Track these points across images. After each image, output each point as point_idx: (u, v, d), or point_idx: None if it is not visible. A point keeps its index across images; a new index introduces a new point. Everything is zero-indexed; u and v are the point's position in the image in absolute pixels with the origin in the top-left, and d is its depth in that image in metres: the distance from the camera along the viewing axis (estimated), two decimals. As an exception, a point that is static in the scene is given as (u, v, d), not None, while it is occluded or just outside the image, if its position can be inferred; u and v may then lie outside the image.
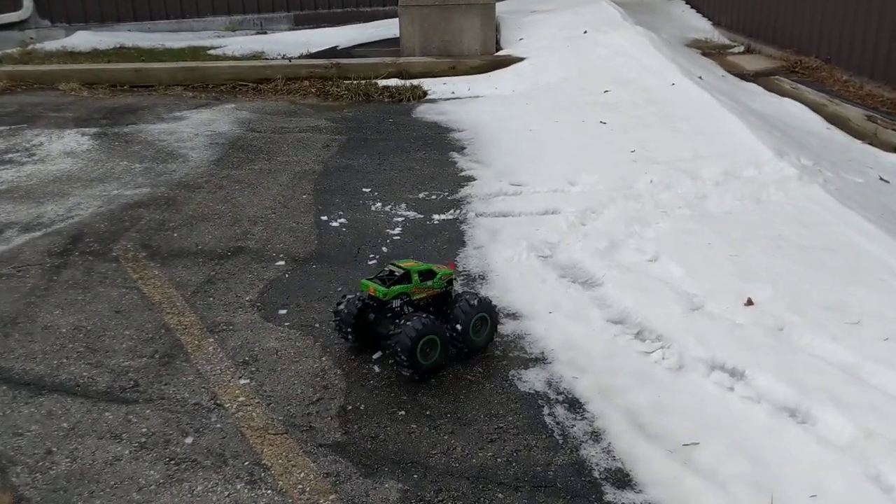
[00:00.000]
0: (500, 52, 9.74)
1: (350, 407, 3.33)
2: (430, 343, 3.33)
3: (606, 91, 7.66)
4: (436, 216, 5.31)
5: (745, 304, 3.81)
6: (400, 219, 5.28)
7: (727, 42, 11.01)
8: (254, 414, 3.29)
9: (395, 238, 4.98)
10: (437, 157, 6.56)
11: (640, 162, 5.81)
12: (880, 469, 2.82)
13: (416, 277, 3.48)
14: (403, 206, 5.51)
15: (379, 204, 5.54)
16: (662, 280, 4.13)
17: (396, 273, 3.47)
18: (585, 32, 9.50)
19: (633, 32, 8.90)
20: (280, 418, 3.26)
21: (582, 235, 4.74)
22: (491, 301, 3.63)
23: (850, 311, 3.67)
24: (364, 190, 5.83)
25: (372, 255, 4.73)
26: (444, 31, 9.82)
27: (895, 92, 7.65)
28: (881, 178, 5.45)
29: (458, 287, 4.04)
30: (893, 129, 6.15)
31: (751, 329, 3.64)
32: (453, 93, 8.72)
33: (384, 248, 4.82)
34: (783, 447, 2.98)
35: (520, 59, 9.25)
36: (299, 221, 5.26)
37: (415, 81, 8.94)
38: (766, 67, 9.12)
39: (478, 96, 8.55)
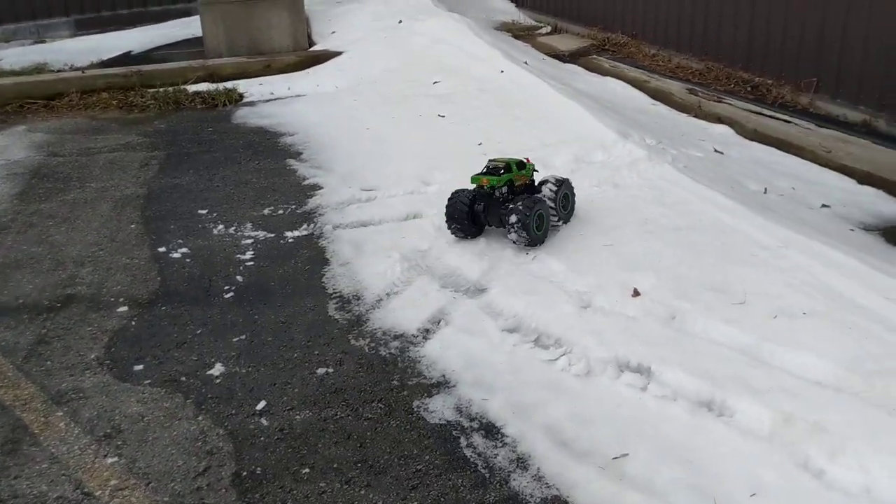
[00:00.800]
0: (316, 48, 9.32)
1: (245, 473, 2.93)
2: (539, 217, 4.19)
3: (436, 82, 7.48)
4: (288, 233, 4.90)
5: (633, 296, 3.75)
6: (249, 240, 4.82)
7: (533, 23, 11.18)
8: (133, 499, 2.81)
9: (248, 264, 4.54)
10: (272, 165, 6.10)
11: (490, 154, 5.66)
12: (808, 453, 2.81)
13: (514, 168, 4.34)
14: (249, 225, 5.04)
15: (221, 226, 5.04)
16: (546, 279, 4.00)
17: (499, 166, 4.26)
18: (400, 22, 9.28)
19: (449, 19, 8.78)
20: (166, 500, 2.80)
21: (452, 239, 4.51)
22: (567, 179, 4.54)
23: (733, 290, 3.70)
24: (200, 212, 5.29)
25: (227, 287, 4.27)
26: (252, 28, 9.25)
27: (702, 62, 8.04)
28: (716, 150, 5.64)
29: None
30: (715, 101, 6.41)
31: (645, 321, 3.58)
32: (272, 93, 8.21)
33: (239, 277, 4.37)
34: (711, 446, 2.92)
35: (338, 53, 8.88)
36: (133, 256, 4.67)
37: (228, 84, 8.34)
38: (579, 47, 9.32)
39: (300, 95, 8.11)
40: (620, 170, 5.03)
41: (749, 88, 7.22)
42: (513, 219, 4.10)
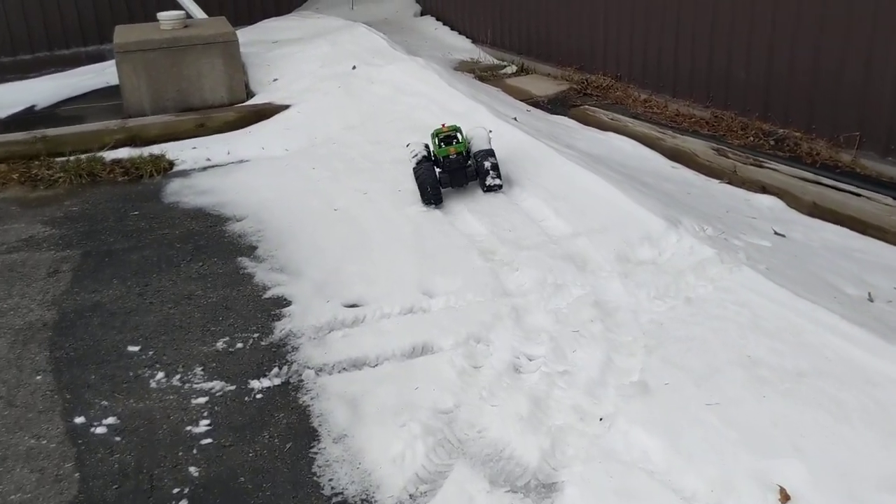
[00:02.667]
0: (256, 100, 7.99)
1: None
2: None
3: (409, 144, 6.24)
4: (255, 383, 3.62)
5: (782, 501, 2.59)
6: (201, 398, 3.52)
7: (495, 62, 10.07)
8: None
9: (203, 443, 3.25)
10: (221, 268, 4.78)
11: (501, 249, 4.47)
12: None
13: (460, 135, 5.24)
14: (199, 370, 3.74)
15: (161, 374, 3.72)
16: (640, 466, 2.83)
17: (451, 134, 5.25)
18: (354, 67, 8.04)
19: (413, 64, 7.57)
20: None
21: (486, 391, 3.31)
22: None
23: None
24: (131, 349, 3.96)
25: (177, 491, 2.96)
26: (180, 78, 7.88)
27: (707, 109, 7.03)
28: (776, 233, 4.57)
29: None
30: (754, 164, 5.35)
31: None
32: (209, 160, 6.86)
33: (193, 470, 3.08)
34: None
35: (284, 107, 7.58)
36: (40, 434, 3.32)
37: (155, 149, 6.96)
38: (558, 91, 8.25)
39: (243, 161, 6.79)
40: (684, 275, 3.89)
41: (772, 143, 6.21)
42: (488, 164, 5.09)
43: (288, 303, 4.31)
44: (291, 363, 3.73)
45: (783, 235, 4.64)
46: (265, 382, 3.62)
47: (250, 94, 8.23)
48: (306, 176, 6.13)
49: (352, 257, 4.68)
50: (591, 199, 4.72)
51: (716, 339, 3.42)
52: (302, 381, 3.60)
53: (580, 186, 4.84)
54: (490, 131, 5.87)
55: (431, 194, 4.99)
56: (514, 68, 9.73)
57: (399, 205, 5.29)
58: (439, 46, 10.52)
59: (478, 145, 5.17)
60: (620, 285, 3.95)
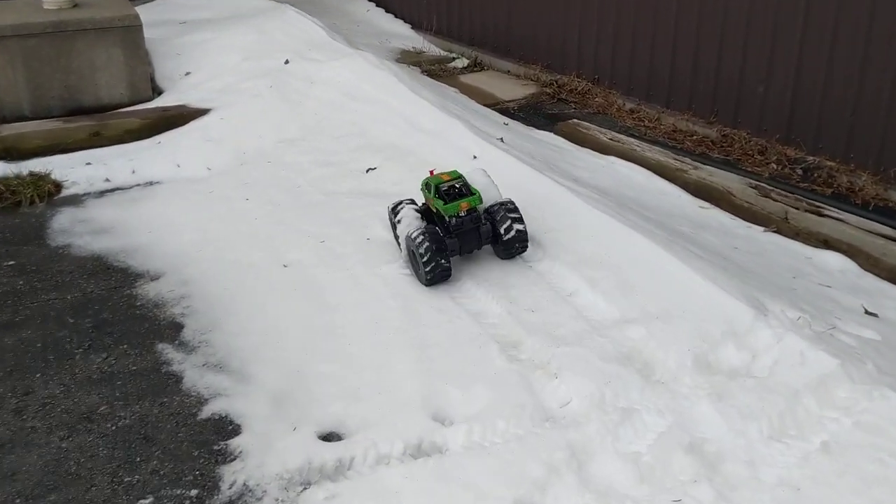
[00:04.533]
0: (166, 101, 6.50)
1: None
2: None
3: (371, 169, 4.98)
4: None
5: None
6: None
7: (442, 53, 8.81)
8: None
9: None
10: (134, 362, 3.44)
11: (528, 341, 3.30)
12: None
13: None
14: (111, 570, 2.41)
15: (49, 581, 2.37)
16: None
17: (456, 184, 3.78)
18: (287, 62, 6.64)
19: (363, 63, 6.24)
20: None
21: None
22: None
23: None
24: (2, 522, 2.59)
25: None
26: (68, 72, 6.32)
27: (712, 127, 6.01)
28: (867, 312, 3.56)
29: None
30: (811, 210, 4.32)
31: None
32: (108, 181, 5.41)
33: None
34: None
35: (202, 112, 6.14)
36: None
37: (36, 165, 5.45)
38: (527, 95, 7.10)
39: (153, 183, 5.36)
40: (802, 398, 2.82)
41: (800, 173, 5.24)
42: (513, 225, 3.78)
43: (236, 429, 3.02)
44: (255, 554, 2.45)
45: (876, 315, 3.64)
46: None
47: (157, 92, 6.73)
48: (240, 211, 4.76)
49: (319, 349, 3.41)
50: (636, 266, 3.58)
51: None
52: (275, 592, 2.33)
53: (618, 247, 3.69)
54: (474, 156, 4.66)
55: (441, 272, 3.68)
56: (465, 62, 8.50)
57: (372, 262, 4.02)
58: (374, 33, 9.16)
59: (488, 196, 3.91)
60: (714, 412, 2.84)
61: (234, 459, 2.87)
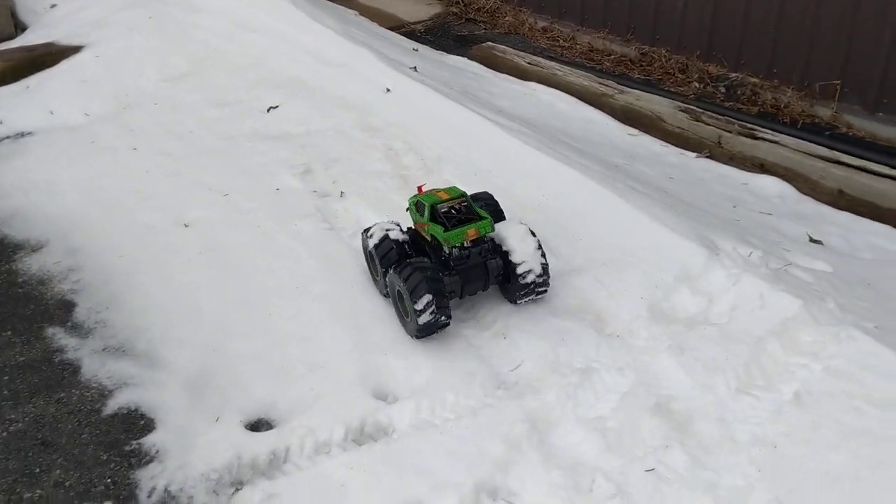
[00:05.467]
0: (30, 38, 5.77)
1: None
2: None
3: (273, 108, 4.52)
4: None
5: None
6: None
7: (335, -29, 8.16)
8: None
9: None
10: (22, 351, 3.02)
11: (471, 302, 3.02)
12: None
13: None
14: None
15: None
16: None
17: (456, 205, 2.89)
18: (166, -11, 5.96)
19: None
20: None
21: None
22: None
23: None
24: None
25: None
26: None
27: (629, 44, 5.78)
28: (812, 240, 3.44)
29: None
30: (744, 133, 4.15)
31: None
32: (-29, 134, 4.74)
33: None
34: None
35: (74, 49, 5.47)
36: None
37: None
38: (432, 15, 6.71)
39: (24, 134, 4.74)
40: (767, 345, 2.64)
41: (724, 91, 5.07)
42: (541, 261, 2.86)
43: (149, 424, 2.65)
44: (186, 578, 2.13)
45: (820, 242, 3.52)
46: None
47: (20, 29, 5.96)
48: (128, 164, 4.24)
49: (237, 324, 3.03)
50: (577, 209, 3.32)
51: (877, 478, 2.20)
52: None
53: (555, 188, 3.41)
54: (387, 89, 4.27)
55: (438, 324, 2.77)
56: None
57: (285, 217, 3.63)
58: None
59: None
60: (677, 366, 2.65)
61: (151, 461, 2.50)
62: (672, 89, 5.10)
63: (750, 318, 2.77)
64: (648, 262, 3.03)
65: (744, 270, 2.93)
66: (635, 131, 4.40)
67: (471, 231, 2.77)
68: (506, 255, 2.85)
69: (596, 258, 3.10)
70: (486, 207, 3.05)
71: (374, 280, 3.07)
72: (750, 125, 4.28)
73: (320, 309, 3.04)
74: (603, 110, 4.57)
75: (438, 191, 2.95)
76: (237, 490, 2.39)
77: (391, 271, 2.80)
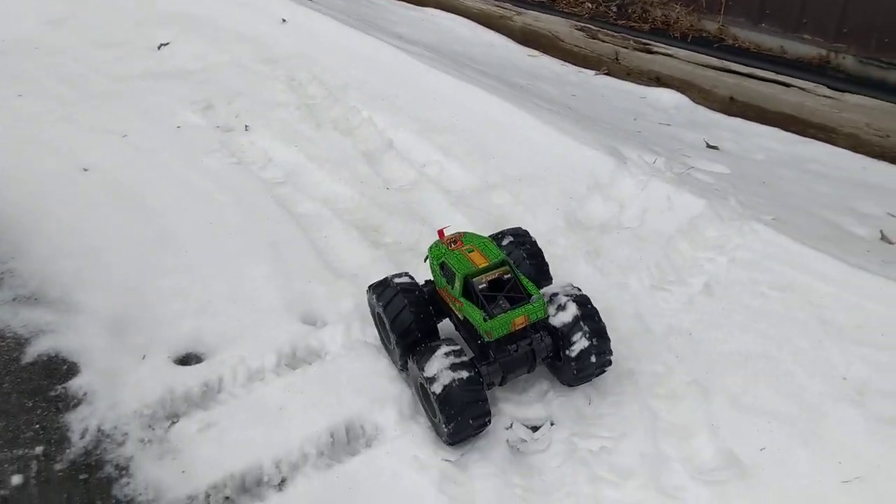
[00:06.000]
0: None
1: None
2: None
3: (164, 44, 4.36)
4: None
5: None
6: None
7: None
8: None
9: None
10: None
11: (390, 224, 3.06)
12: None
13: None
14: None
15: None
16: None
17: (506, 275, 2.22)
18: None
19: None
20: None
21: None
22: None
23: None
24: None
25: None
26: None
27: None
28: (709, 146, 3.62)
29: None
30: (640, 48, 4.27)
31: None
32: None
33: None
34: None
35: (-62, -6, 5.08)
36: None
37: None
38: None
39: None
40: (676, 243, 2.78)
41: (616, 10, 5.17)
42: (586, 343, 2.24)
43: (73, 368, 2.59)
44: (131, 510, 2.13)
45: (716, 148, 3.69)
46: (96, 566, 2.01)
47: None
48: (17, 111, 4.03)
49: (154, 263, 2.97)
50: (488, 128, 3.37)
51: (783, 353, 2.38)
52: (165, 550, 2.04)
53: (466, 109, 3.45)
54: (283, 20, 4.18)
55: (475, 430, 2.21)
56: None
57: (189, 155, 3.54)
58: None
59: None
60: (594, 270, 2.76)
61: (80, 404, 2.46)
62: (566, 10, 5.15)
63: (659, 219, 2.89)
64: (561, 175, 3.11)
65: (650, 176, 3.05)
66: (536, 52, 4.46)
67: (519, 319, 2.14)
68: (555, 330, 2.27)
69: (510, 175, 3.16)
70: (523, 255, 2.50)
71: (385, 347, 2.52)
72: (644, 41, 4.40)
73: (238, 242, 3.01)
74: (502, 32, 4.60)
75: (469, 246, 2.31)
76: (173, 423, 2.38)
77: (412, 362, 2.22)
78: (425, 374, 2.14)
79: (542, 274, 2.52)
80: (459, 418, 2.10)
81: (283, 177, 3.36)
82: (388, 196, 3.17)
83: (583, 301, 2.28)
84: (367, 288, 2.48)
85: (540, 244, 2.72)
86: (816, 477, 2.03)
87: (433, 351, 2.17)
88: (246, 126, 3.66)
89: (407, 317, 2.30)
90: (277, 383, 2.47)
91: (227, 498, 2.16)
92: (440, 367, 2.13)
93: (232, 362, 2.54)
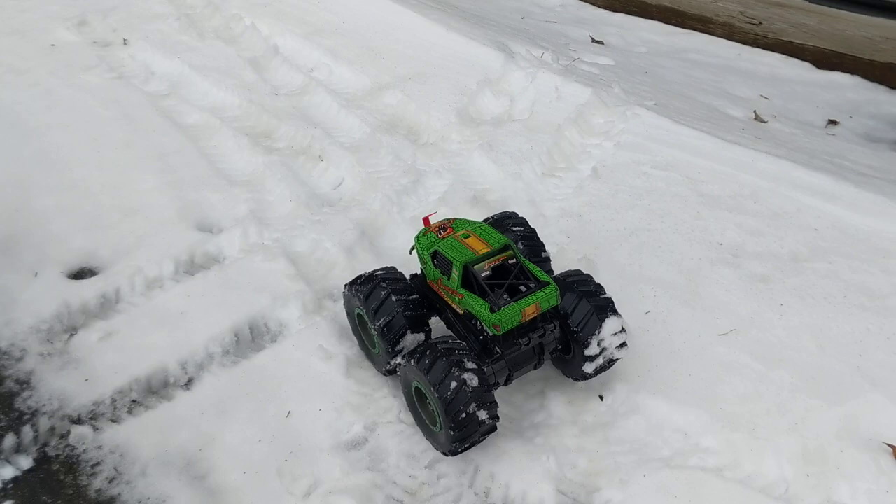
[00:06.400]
0: None
1: None
2: None
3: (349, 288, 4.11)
4: (-16, 483, 2.00)
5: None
6: None
7: None
8: None
9: None
10: None
11: (283, 129, 3.04)
12: None
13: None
14: None
15: None
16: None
17: (510, 261, 1.94)
18: None
19: None
20: None
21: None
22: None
23: None
24: None
25: None
26: None
27: None
28: (594, 41, 3.71)
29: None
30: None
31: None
32: None
33: None
34: None
35: None
36: None
37: None
38: None
39: None
40: (565, 131, 2.88)
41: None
42: (617, 331, 1.97)
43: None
44: (35, 418, 2.12)
45: (601, 42, 3.78)
46: (7, 472, 2.01)
47: None
48: None
49: (37, 182, 2.88)
50: (374, 29, 3.35)
51: (665, 225, 2.52)
52: (73, 450, 2.05)
53: (350, 10, 3.41)
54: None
55: (482, 435, 1.93)
56: None
57: (66, 72, 3.40)
58: None
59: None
60: (489, 161, 2.83)
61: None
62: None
63: (548, 109, 2.97)
64: (452, 72, 3.14)
65: (538, 69, 3.11)
66: (421, -43, 4.39)
67: (530, 308, 1.89)
68: (564, 317, 2.01)
69: (401, 74, 3.17)
70: (518, 240, 2.22)
71: (366, 350, 2.23)
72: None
73: (125, 156, 2.94)
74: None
75: (464, 232, 2.06)
76: (72, 335, 2.35)
77: (408, 362, 1.95)
78: (428, 382, 1.86)
79: (541, 262, 2.21)
80: (468, 425, 1.84)
81: (168, 89, 3.27)
82: (277, 102, 3.14)
83: (595, 288, 2.03)
84: (344, 285, 2.18)
85: (433, 140, 2.75)
86: (697, 332, 2.18)
87: (435, 351, 1.89)
88: (124, 40, 3.53)
89: (399, 321, 2.02)
90: (177, 290, 2.46)
91: (133, 401, 2.17)
92: (444, 369, 1.85)
93: (128, 272, 2.50)
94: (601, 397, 2.12)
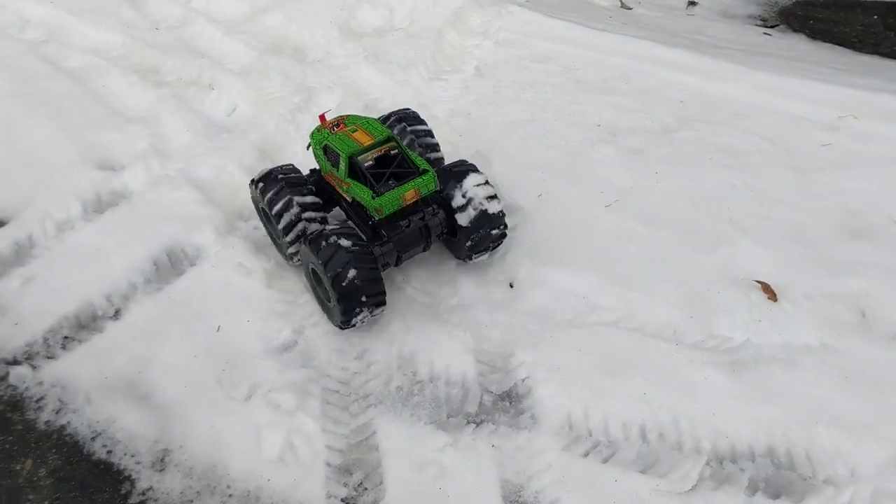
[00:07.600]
0: None
1: None
2: None
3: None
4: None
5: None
6: None
7: None
8: None
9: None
10: None
11: (169, 63, 3.07)
12: None
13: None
14: None
15: None
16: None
17: (392, 151, 2.11)
18: None
19: None
20: None
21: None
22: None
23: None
24: None
25: None
26: None
27: None
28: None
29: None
30: None
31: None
32: None
33: None
34: None
35: None
36: None
37: None
38: None
39: None
40: (445, 35, 3.02)
41: None
42: (494, 208, 2.19)
43: None
44: (-30, 367, 2.20)
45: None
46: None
47: None
48: None
49: None
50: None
51: (547, 114, 2.72)
52: (15, 390, 2.15)
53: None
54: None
55: (371, 311, 2.12)
56: None
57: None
58: None
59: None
60: (376, 72, 2.95)
61: None
62: None
63: (427, 15, 3.09)
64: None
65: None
66: None
67: (409, 193, 2.05)
68: (448, 202, 2.18)
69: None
70: (412, 129, 2.38)
71: (273, 241, 2.40)
72: None
73: (11, 106, 2.92)
74: None
75: (353, 127, 2.20)
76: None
77: (303, 245, 2.12)
78: (318, 259, 2.03)
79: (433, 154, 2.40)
80: (354, 299, 2.03)
81: (46, 35, 3.22)
82: (159, 36, 3.15)
83: (475, 171, 2.19)
84: (249, 182, 2.33)
85: (320, 57, 2.83)
86: (585, 206, 2.40)
87: (325, 235, 2.06)
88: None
89: (294, 211, 2.20)
90: (89, 228, 2.52)
91: (66, 337, 2.26)
92: (332, 251, 2.02)
93: (38, 218, 2.55)
94: (511, 285, 2.32)
